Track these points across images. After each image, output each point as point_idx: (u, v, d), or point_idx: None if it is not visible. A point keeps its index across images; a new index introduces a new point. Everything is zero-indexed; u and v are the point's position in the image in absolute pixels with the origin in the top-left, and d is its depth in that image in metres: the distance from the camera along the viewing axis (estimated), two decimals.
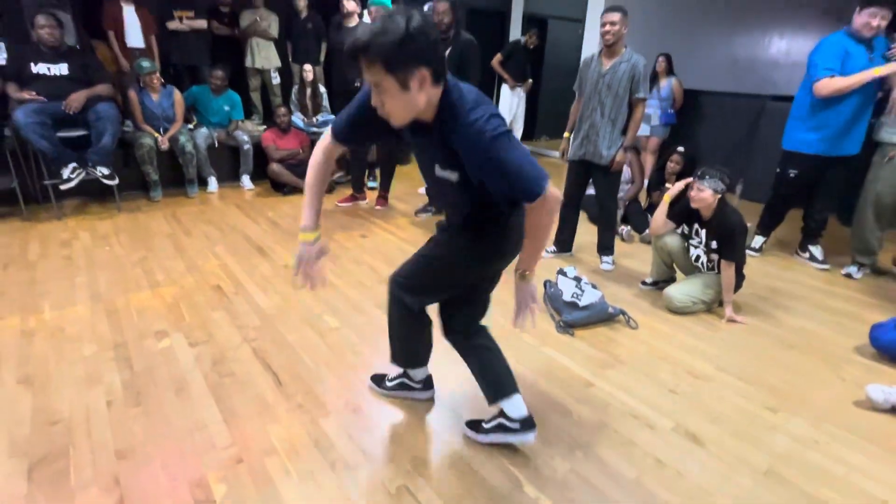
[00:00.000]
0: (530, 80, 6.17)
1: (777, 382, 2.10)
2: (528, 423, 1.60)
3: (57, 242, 3.22)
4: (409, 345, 1.78)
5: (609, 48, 2.82)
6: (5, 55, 3.86)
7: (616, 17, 2.72)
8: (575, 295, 2.45)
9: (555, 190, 1.24)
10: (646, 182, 4.36)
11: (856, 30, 2.93)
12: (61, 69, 3.50)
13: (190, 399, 1.83)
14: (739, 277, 2.63)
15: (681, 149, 3.89)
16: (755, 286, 3.04)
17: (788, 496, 1.54)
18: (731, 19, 7.96)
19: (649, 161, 5.28)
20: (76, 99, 3.45)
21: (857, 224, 3.23)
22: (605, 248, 3.22)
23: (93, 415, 1.73)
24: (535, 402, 1.90)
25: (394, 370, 1.89)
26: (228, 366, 2.03)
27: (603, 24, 2.77)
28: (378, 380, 1.93)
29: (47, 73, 3.47)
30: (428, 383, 1.88)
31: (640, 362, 2.20)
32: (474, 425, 1.70)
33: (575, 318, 2.43)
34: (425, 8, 4.46)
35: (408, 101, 1.14)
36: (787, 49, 8.94)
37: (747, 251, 3.56)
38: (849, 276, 3.22)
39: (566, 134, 3.15)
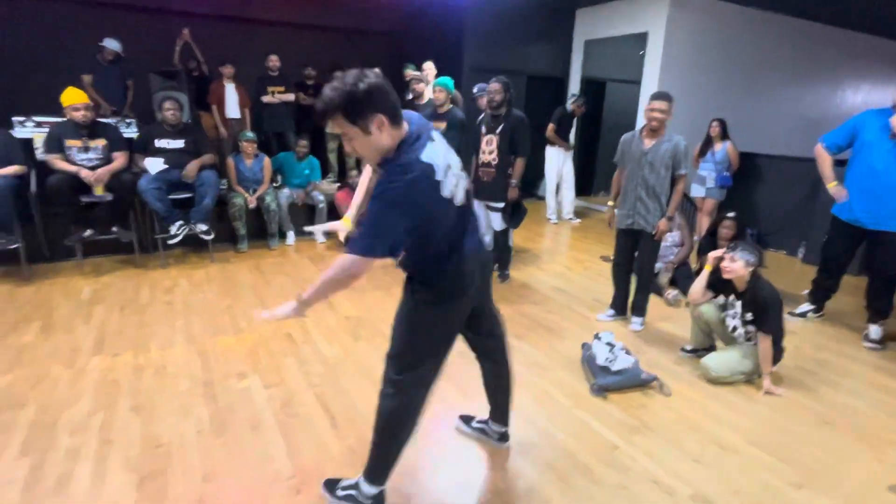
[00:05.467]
0: (570, 144, 6.46)
1: (808, 460, 2.13)
2: (378, 499, 1.74)
3: (162, 289, 3.80)
4: (399, 452, 1.73)
5: (653, 131, 3.04)
6: (136, 130, 4.69)
7: (665, 105, 2.93)
8: (608, 360, 2.61)
9: (360, 267, 1.42)
10: (695, 244, 4.42)
11: None
12: (178, 144, 4.21)
13: (262, 435, 2.16)
14: (778, 350, 2.67)
15: (731, 214, 3.96)
16: (803, 358, 3.03)
17: None
18: (798, 78, 7.88)
19: (705, 222, 5.31)
20: (192, 169, 4.15)
21: None
22: (637, 308, 3.36)
23: (186, 441, 2.11)
24: (561, 461, 2.07)
25: (348, 479, 1.81)
26: (295, 408, 2.37)
27: (651, 110, 2.96)
28: (330, 486, 1.82)
29: (167, 147, 4.19)
30: (380, 498, 1.76)
31: (668, 430, 2.30)
32: (330, 486, 1.81)
33: (608, 382, 2.58)
34: (475, 90, 4.93)
35: (371, 141, 1.40)
36: (861, 106, 8.66)
37: (793, 316, 3.54)
38: None
39: (610, 202, 3.36)
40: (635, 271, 3.38)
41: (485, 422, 2.16)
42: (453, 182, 1.53)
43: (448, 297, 1.62)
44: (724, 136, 5.23)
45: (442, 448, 2.13)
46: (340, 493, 1.78)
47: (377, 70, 1.42)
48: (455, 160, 1.60)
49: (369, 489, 1.74)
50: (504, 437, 2.14)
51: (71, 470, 1.92)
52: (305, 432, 2.19)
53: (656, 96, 2.99)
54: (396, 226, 1.40)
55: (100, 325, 3.14)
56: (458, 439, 2.20)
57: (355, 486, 1.77)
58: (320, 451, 2.07)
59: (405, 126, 1.47)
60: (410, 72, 5.91)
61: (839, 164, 3.42)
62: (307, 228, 2.03)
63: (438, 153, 1.49)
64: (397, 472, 1.78)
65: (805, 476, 2.03)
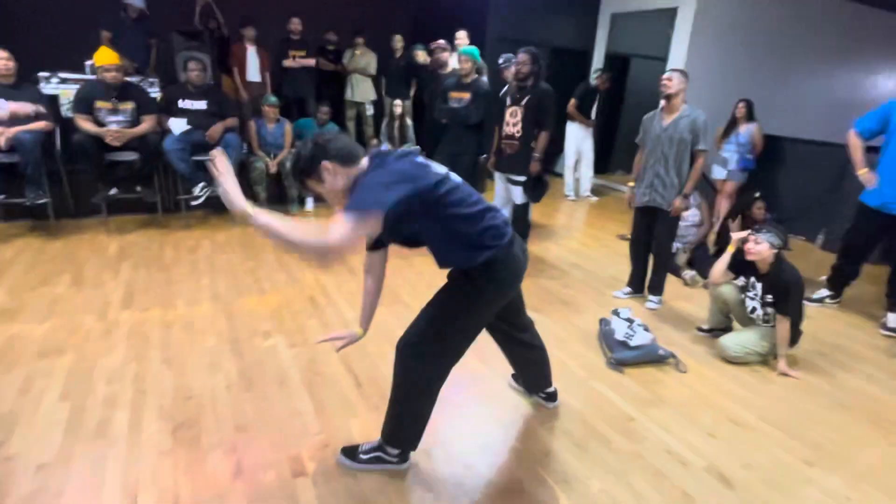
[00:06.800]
0: (592, 120, 6.38)
1: (820, 439, 2.18)
2: (404, 456, 1.83)
3: (185, 249, 3.87)
4: (423, 423, 1.79)
5: (668, 103, 3.06)
6: (158, 90, 4.70)
7: (673, 76, 3.01)
8: (626, 335, 2.65)
9: (343, 238, 1.32)
10: (716, 226, 4.41)
11: None
12: (201, 105, 4.22)
13: (289, 391, 2.24)
14: (796, 333, 2.69)
15: (758, 194, 3.93)
16: (819, 342, 3.05)
17: None
18: (830, 60, 7.66)
19: (724, 205, 5.26)
20: (216, 131, 4.18)
21: None
22: (654, 288, 3.39)
23: (217, 395, 2.19)
24: (578, 429, 2.13)
25: (367, 442, 1.86)
26: (320, 367, 2.44)
27: (661, 80, 3.05)
28: (350, 453, 1.85)
29: (190, 108, 4.21)
30: (404, 457, 1.84)
31: (684, 405, 2.35)
32: (349, 453, 1.84)
33: (625, 357, 2.62)
34: (501, 60, 4.85)
35: (330, 185, 1.53)
36: (893, 92, 8.43)
37: (810, 302, 3.54)
38: None
39: (630, 183, 3.35)
40: (652, 250, 3.39)
41: None
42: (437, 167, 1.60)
43: (504, 280, 1.66)
44: (750, 117, 5.14)
45: (461, 411, 2.19)
46: (364, 457, 1.83)
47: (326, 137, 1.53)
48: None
49: (393, 448, 1.81)
50: (552, 397, 2.24)
51: (110, 415, 2.01)
52: (330, 391, 2.27)
53: (669, 70, 3.08)
54: (388, 189, 1.40)
55: (127, 281, 3.23)
56: (477, 404, 2.26)
57: (379, 447, 1.83)
58: (345, 409, 2.15)
59: (363, 161, 1.56)
60: (421, 52, 5.84)
61: (872, 150, 3.36)
62: (317, 340, 1.94)
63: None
64: (432, 429, 1.82)
65: (816, 454, 2.08)
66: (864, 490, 1.90)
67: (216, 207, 4.70)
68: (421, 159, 1.59)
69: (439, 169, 1.60)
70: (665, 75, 3.02)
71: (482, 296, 1.66)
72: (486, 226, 1.59)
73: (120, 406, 2.07)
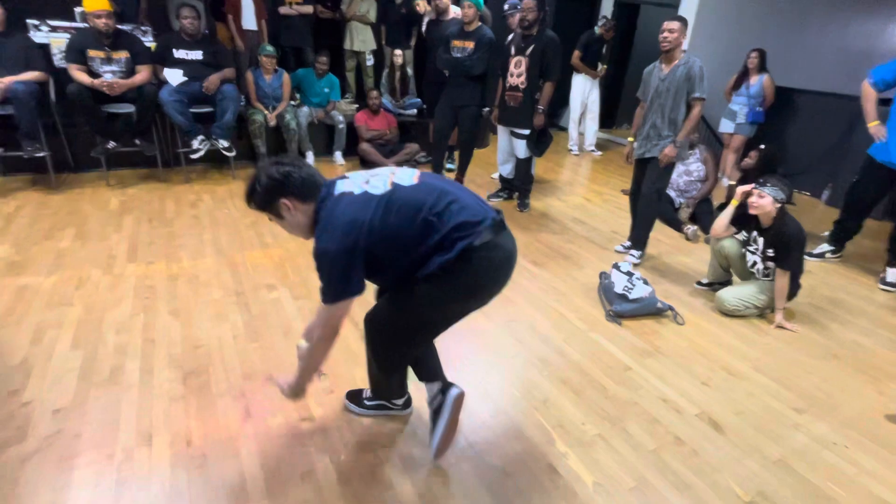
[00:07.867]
0: (604, 67, 6.20)
1: (811, 388, 2.24)
2: (407, 402, 1.91)
3: (187, 203, 3.87)
4: (402, 380, 1.82)
5: (666, 54, 2.98)
6: (151, 40, 4.55)
7: (675, 25, 2.89)
8: (626, 288, 2.68)
9: (336, 321, 1.54)
10: (723, 180, 4.36)
11: None
12: (197, 55, 4.11)
13: (294, 341, 2.28)
14: (794, 286, 2.71)
15: (762, 146, 3.87)
16: (817, 296, 3.08)
17: (792, 483, 1.74)
18: (847, 7, 7.33)
19: (731, 160, 5.19)
20: (213, 82, 4.08)
21: None
22: (635, 241, 3.33)
23: (224, 344, 2.25)
24: (576, 378, 2.19)
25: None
26: None
27: (662, 31, 2.94)
28: (355, 397, 1.93)
29: (186, 58, 4.10)
30: (407, 403, 1.91)
31: (680, 355, 2.41)
32: (354, 398, 1.91)
33: (624, 309, 2.66)
34: (506, 7, 4.66)
35: (290, 222, 1.51)
36: None
37: (811, 256, 3.56)
38: None
39: (630, 138, 3.30)
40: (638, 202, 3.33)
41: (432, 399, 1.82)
42: (384, 179, 1.48)
43: (482, 271, 1.46)
44: (762, 68, 4.99)
45: (462, 361, 2.25)
46: (368, 402, 1.90)
47: (284, 161, 1.47)
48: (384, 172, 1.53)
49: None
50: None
51: (122, 363, 2.07)
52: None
53: (669, 18, 2.96)
54: (348, 266, 1.42)
55: (131, 235, 3.25)
56: (477, 354, 2.32)
57: None
58: (350, 358, 2.21)
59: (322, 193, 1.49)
60: (421, 1, 5.60)
61: (884, 103, 3.28)
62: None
63: (353, 178, 1.51)
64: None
65: (807, 402, 2.15)
66: (850, 435, 1.97)
67: (215, 161, 4.67)
68: (357, 188, 1.46)
69: (379, 190, 1.44)
70: (666, 25, 2.92)
71: (455, 290, 1.48)
72: (454, 224, 1.42)
73: (130, 355, 2.13)
